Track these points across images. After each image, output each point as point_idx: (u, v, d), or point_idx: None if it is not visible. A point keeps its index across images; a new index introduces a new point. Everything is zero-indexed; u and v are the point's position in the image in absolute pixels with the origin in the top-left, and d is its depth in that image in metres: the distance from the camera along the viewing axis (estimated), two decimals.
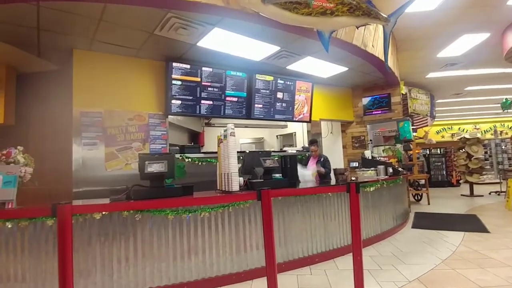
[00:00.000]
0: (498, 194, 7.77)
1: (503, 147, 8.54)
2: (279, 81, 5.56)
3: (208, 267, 2.70)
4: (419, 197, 7.47)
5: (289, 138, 8.42)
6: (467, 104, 11.05)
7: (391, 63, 5.37)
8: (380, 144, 6.35)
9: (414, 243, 3.93)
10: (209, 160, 4.38)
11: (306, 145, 6.85)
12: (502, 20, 4.88)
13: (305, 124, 6.89)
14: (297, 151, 6.12)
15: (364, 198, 3.90)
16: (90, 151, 3.80)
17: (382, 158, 5.59)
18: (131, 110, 4.11)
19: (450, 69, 7.02)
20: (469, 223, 4.83)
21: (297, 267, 3.10)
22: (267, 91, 5.44)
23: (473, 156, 8.02)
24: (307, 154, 5.97)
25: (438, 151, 12.17)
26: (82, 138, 3.76)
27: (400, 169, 5.08)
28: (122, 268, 2.44)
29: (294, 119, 5.94)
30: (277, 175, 3.61)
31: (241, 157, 3.53)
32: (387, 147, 6.20)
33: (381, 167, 4.70)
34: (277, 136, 8.88)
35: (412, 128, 9.16)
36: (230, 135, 3.03)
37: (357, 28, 3.78)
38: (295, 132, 8.06)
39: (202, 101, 4.58)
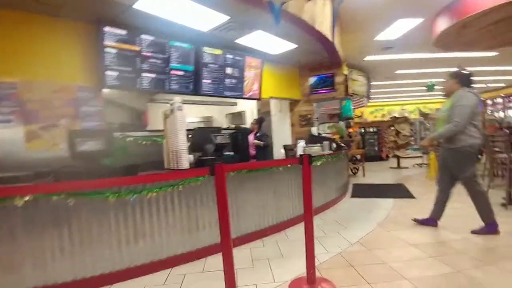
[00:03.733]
0: (421, 166, 8.92)
1: (427, 125, 9.79)
2: (228, 55, 5.35)
3: (158, 249, 2.54)
4: (356, 171, 8.16)
5: (238, 118, 8.34)
6: (396, 87, 12.25)
7: (336, 43, 5.56)
8: (325, 121, 6.67)
9: (354, 210, 4.29)
10: (154, 139, 4.06)
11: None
12: (434, 5, 5.21)
13: (254, 103, 6.86)
14: None
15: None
16: (4, 129, 3.19)
17: (327, 135, 5.89)
18: (56, 81, 3.53)
19: (385, 53, 7.58)
20: (398, 191, 5.45)
21: (250, 240, 3.12)
22: (216, 66, 5.21)
23: (401, 133, 8.99)
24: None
25: (371, 130, 13.39)
26: None
27: (342, 144, 5.42)
28: (56, 259, 2.14)
29: (244, 96, 5.84)
30: (228, 153, 3.53)
31: (190, 135, 3.35)
32: (331, 124, 6.55)
33: (326, 143, 4.94)
34: (226, 114, 8.75)
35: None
36: (178, 109, 2.82)
37: (307, 0, 3.76)
38: (244, 111, 8.01)
39: (143, 74, 4.17)
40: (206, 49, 4.97)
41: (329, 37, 4.88)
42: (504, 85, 13.02)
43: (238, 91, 5.71)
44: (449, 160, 3.08)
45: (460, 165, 2.99)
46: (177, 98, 2.88)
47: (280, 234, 3.37)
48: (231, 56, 5.40)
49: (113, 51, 3.81)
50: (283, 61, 6.49)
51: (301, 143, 4.32)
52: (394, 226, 3.43)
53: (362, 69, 9.14)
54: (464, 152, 2.92)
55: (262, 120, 5.50)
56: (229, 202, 2.92)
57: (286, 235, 3.34)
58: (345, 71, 7.21)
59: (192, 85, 4.82)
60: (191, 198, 2.76)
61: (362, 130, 13.17)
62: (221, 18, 3.94)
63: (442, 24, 5.42)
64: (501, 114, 13.41)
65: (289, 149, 4.10)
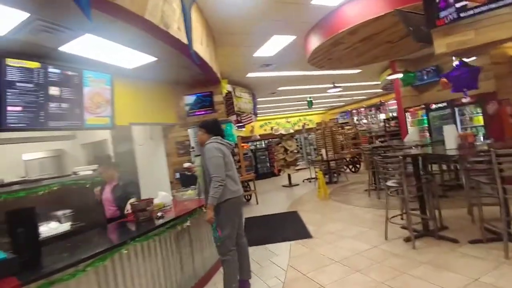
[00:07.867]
0: (310, 181, 8.92)
1: (309, 138, 10.08)
2: (51, 69, 3.63)
3: None
4: (248, 197, 7.38)
5: (100, 148, 6.37)
6: (281, 102, 12.46)
7: (207, 56, 4.54)
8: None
9: None
10: None
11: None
12: (306, 22, 4.92)
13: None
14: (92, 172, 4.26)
15: (178, 239, 2.81)
16: None
17: None
18: None
19: (265, 70, 7.12)
20: (293, 226, 4.78)
21: None
22: (30, 85, 3.43)
23: (288, 149, 8.81)
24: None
25: (262, 145, 13.26)
26: None
27: None
28: None
29: (86, 125, 4.15)
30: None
31: None
32: None
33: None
34: (82, 145, 6.61)
35: (239, 126, 9.17)
36: None
37: None
38: (106, 139, 6.11)
39: None
40: (11, 62, 3.20)
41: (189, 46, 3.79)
42: (366, 97, 15.12)
43: (74, 120, 3.96)
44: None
45: (220, 221, 2.62)
46: None
47: None
48: (56, 71, 3.68)
49: None
50: (146, 77, 5.09)
51: (163, 194, 3.01)
52: None
53: (246, 86, 8.59)
54: (224, 208, 2.61)
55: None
56: None
57: None
58: (225, 89, 6.34)
59: None
60: None
61: (254, 147, 12.86)
62: (19, 15, 2.33)
63: (314, 42, 5.22)
64: (365, 121, 15.61)
65: (138, 210, 2.67)
